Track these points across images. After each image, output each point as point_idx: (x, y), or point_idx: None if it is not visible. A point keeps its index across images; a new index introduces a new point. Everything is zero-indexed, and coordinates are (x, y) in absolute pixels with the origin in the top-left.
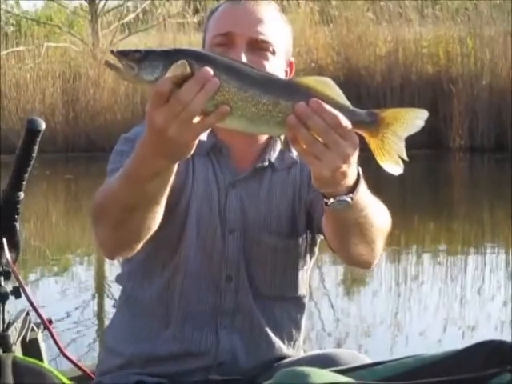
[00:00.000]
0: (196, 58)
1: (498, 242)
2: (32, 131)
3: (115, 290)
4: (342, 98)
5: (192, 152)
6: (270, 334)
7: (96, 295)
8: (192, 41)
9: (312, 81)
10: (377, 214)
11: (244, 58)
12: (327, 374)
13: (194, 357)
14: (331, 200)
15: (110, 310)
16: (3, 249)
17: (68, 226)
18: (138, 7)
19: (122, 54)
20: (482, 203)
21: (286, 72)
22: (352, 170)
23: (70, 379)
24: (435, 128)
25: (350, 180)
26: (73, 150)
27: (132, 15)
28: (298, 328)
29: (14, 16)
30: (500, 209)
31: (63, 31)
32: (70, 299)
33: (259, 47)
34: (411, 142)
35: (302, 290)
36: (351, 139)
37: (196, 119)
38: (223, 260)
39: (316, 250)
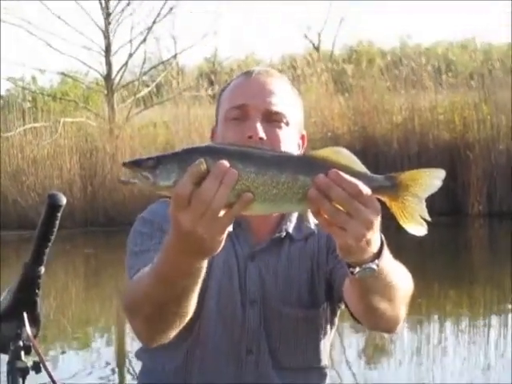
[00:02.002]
0: (209, 153)
1: None
2: (53, 206)
3: (136, 364)
4: (359, 165)
5: (221, 246)
6: None
7: (116, 370)
8: (207, 113)
9: (327, 152)
10: (401, 279)
11: (260, 129)
12: None
13: None
14: (357, 269)
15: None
16: (24, 323)
17: (87, 300)
18: (152, 81)
19: (135, 165)
20: (503, 268)
21: (299, 145)
22: (376, 236)
23: None
24: (453, 194)
25: (374, 247)
26: (91, 225)
27: (147, 89)
28: None
29: (31, 92)
30: None
31: (79, 106)
32: (91, 374)
33: (273, 119)
34: (429, 209)
35: (324, 360)
36: (373, 206)
37: (221, 213)
38: (243, 332)
39: (336, 319)
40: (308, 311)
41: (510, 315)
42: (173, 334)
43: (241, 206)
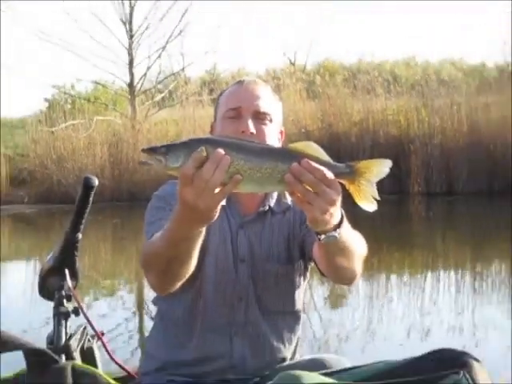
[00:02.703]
0: (209, 143)
1: (450, 265)
2: (87, 186)
3: (152, 308)
4: (325, 156)
5: (217, 216)
6: (273, 341)
7: (137, 312)
8: (208, 114)
9: (300, 145)
10: (357, 244)
11: (251, 125)
12: (316, 377)
13: (213, 360)
14: (322, 236)
15: (148, 325)
16: (65, 277)
17: (114, 259)
18: (165, 88)
19: (151, 151)
20: (436, 235)
21: (279, 138)
22: (337, 211)
23: (117, 379)
24: (399, 178)
25: (335, 219)
26: (117, 200)
27: (161, 95)
28: (295, 336)
29: (70, 96)
30: (451, 239)
31: (108, 108)
32: (117, 316)
33: (261, 117)
34: (379, 189)
35: (299, 305)
36: (335, 187)
37: (217, 190)
38: (236, 284)
39: (308, 273)
40: (285, 267)
41: (441, 271)
42: (179, 284)
43: (232, 185)
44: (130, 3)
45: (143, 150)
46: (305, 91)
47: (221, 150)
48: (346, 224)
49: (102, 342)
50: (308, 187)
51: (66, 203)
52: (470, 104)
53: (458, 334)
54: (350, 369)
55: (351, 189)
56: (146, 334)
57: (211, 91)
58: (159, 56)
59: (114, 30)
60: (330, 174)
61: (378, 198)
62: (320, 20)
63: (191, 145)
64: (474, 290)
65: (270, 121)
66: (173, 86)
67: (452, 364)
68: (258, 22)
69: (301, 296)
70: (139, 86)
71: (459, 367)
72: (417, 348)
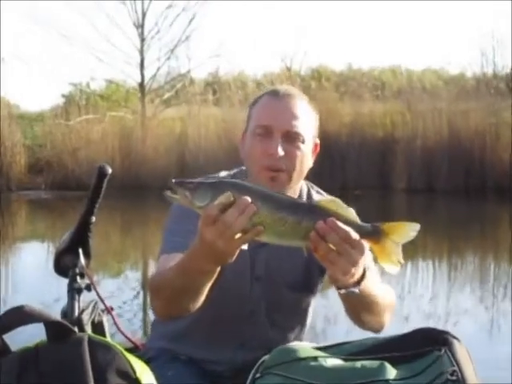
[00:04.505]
0: (237, 188)
1: (428, 255)
2: (101, 174)
3: None
4: (351, 214)
5: (233, 259)
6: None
7: (142, 291)
8: (211, 112)
9: (327, 202)
10: (381, 296)
11: (280, 148)
12: (310, 350)
13: (215, 363)
14: (342, 290)
15: None
16: (79, 256)
17: (122, 242)
18: (172, 88)
19: (180, 184)
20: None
21: (313, 150)
22: (359, 270)
23: (126, 350)
24: (384, 174)
25: (357, 277)
26: (127, 188)
27: (169, 94)
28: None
29: (86, 93)
30: (429, 232)
31: (121, 105)
32: (124, 293)
33: (292, 137)
34: (365, 185)
35: (308, 319)
36: (359, 249)
37: (237, 235)
38: (248, 299)
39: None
40: (302, 294)
41: (419, 262)
42: (184, 315)
43: (253, 234)
44: (143, 9)
45: (174, 182)
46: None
47: (247, 198)
48: (368, 279)
49: (112, 316)
50: (332, 246)
51: (80, 190)
52: (450, 109)
53: (433, 320)
54: (340, 344)
55: (375, 249)
56: (150, 311)
57: (214, 92)
58: (168, 58)
59: (127, 33)
60: (354, 235)
61: (402, 262)
62: (312, 29)
63: (219, 187)
64: (449, 279)
65: (303, 142)
66: (179, 86)
67: (434, 341)
68: (256, 29)
69: (310, 314)
70: (149, 85)
71: (441, 344)
72: (397, 332)
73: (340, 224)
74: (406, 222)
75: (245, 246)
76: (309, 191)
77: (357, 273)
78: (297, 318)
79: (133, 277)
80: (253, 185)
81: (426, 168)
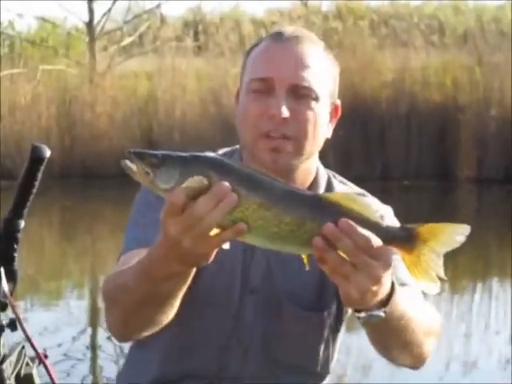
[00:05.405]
0: (215, 168)
1: (507, 275)
2: (37, 159)
3: None
4: (373, 213)
5: (210, 260)
6: None
7: (89, 327)
8: (192, 64)
9: (340, 196)
10: (419, 319)
11: (284, 108)
12: None
13: None
14: (362, 314)
15: (103, 343)
16: (0, 279)
17: (62, 254)
18: (135, 31)
19: (138, 158)
20: (489, 238)
21: (331, 114)
22: (385, 287)
23: None
24: (442, 158)
25: (381, 296)
26: (68, 177)
27: (129, 39)
28: None
29: (8, 37)
30: (506, 240)
31: (59, 53)
32: (63, 330)
33: (300, 94)
34: (417, 173)
35: (325, 364)
36: (383, 259)
37: (215, 230)
38: (237, 321)
39: (343, 326)
40: (312, 313)
41: (495, 284)
42: (147, 333)
43: (232, 234)
44: None
45: (129, 153)
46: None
47: (226, 184)
48: (400, 297)
49: (46, 368)
50: (344, 255)
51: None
52: None
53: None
54: None
55: (407, 260)
56: (101, 354)
57: (196, 36)
58: None
59: None
60: (377, 242)
61: (445, 278)
62: None
63: (192, 164)
64: None
65: (316, 99)
66: (145, 28)
67: None
68: None
69: (329, 352)
70: (101, 26)
71: None
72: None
73: (356, 227)
74: (450, 223)
75: (226, 246)
76: (329, 180)
77: (381, 291)
78: (311, 354)
79: (76, 305)
80: (240, 164)
81: (504, 148)
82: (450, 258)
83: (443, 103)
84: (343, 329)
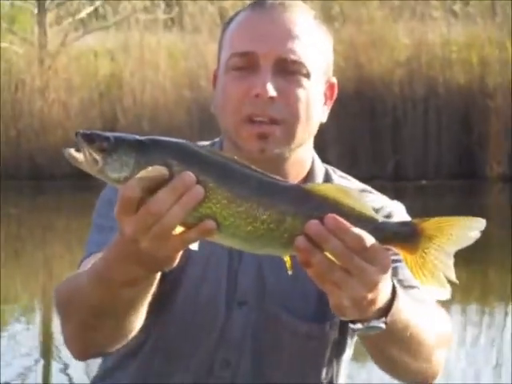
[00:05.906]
0: (177, 155)
1: None
2: None
3: (64, 353)
4: (368, 208)
5: (175, 264)
6: None
7: (41, 359)
8: (164, 41)
9: (329, 189)
10: (427, 328)
11: (271, 87)
12: None
13: None
14: (358, 325)
15: (58, 376)
16: None
17: (7, 273)
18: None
19: (87, 141)
20: None
21: (326, 95)
22: (383, 294)
23: None
24: (468, 153)
25: (380, 303)
26: (14, 178)
27: (88, 9)
28: None
29: None
30: None
31: (2, 29)
32: (9, 364)
33: (289, 69)
34: (436, 171)
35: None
36: (380, 262)
37: (179, 229)
38: (222, 339)
39: (348, 340)
40: (311, 324)
41: None
42: (111, 350)
43: (198, 234)
44: None
45: (76, 135)
46: (320, 12)
47: (191, 176)
48: (403, 304)
49: None
50: (334, 258)
51: None
52: None
53: None
54: None
55: (410, 261)
56: None
57: (168, 6)
58: None
59: None
60: (371, 242)
61: (455, 281)
62: None
63: (149, 150)
64: None
65: (307, 75)
66: None
67: None
68: None
69: (334, 371)
70: None
71: None
72: None
73: (346, 225)
74: (461, 216)
75: (194, 247)
76: (327, 174)
77: (379, 298)
78: (311, 374)
79: (25, 334)
80: (208, 150)
81: None
82: (479, 272)
83: (468, 86)
84: (351, 342)
